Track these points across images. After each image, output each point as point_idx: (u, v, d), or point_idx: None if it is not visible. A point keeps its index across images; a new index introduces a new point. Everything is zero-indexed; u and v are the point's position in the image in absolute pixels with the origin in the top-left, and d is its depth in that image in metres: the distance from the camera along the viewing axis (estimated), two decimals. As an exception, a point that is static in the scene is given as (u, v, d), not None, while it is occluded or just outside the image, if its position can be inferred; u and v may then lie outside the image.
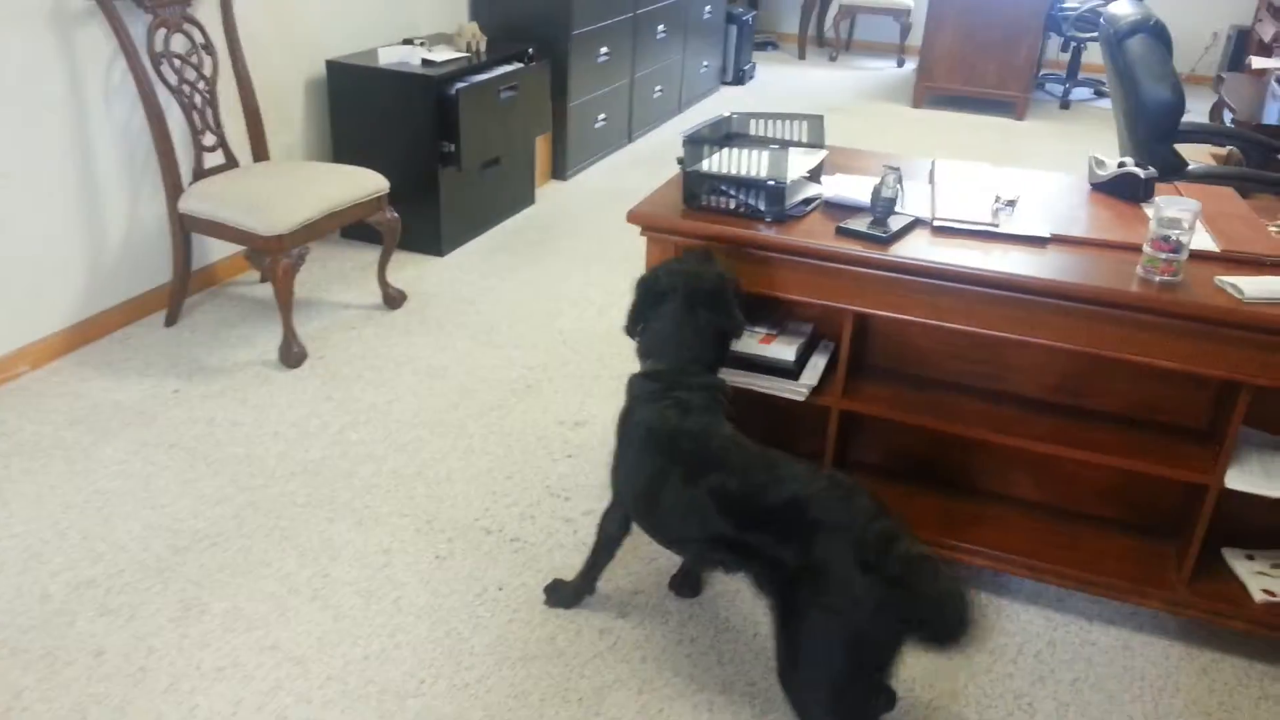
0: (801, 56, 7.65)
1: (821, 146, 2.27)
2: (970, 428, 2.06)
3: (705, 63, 6.21)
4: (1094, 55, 7.05)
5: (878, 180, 2.00)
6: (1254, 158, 3.21)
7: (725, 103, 6.32)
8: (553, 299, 3.46)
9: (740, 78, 6.74)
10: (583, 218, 4.24)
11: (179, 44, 2.98)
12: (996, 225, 2.02)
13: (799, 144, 2.27)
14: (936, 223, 2.03)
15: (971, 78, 6.17)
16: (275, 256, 2.79)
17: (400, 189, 3.57)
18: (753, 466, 1.65)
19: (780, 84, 6.88)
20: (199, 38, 3.03)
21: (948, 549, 2.13)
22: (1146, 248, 1.82)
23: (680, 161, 2.08)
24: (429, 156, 3.59)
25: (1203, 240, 1.95)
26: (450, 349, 3.08)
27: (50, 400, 2.72)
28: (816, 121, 2.26)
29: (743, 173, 2.01)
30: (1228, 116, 4.50)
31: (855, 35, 7.97)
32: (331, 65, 3.62)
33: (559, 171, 4.65)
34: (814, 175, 2.22)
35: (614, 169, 4.93)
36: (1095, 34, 6.39)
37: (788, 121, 2.28)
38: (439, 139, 3.57)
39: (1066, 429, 2.05)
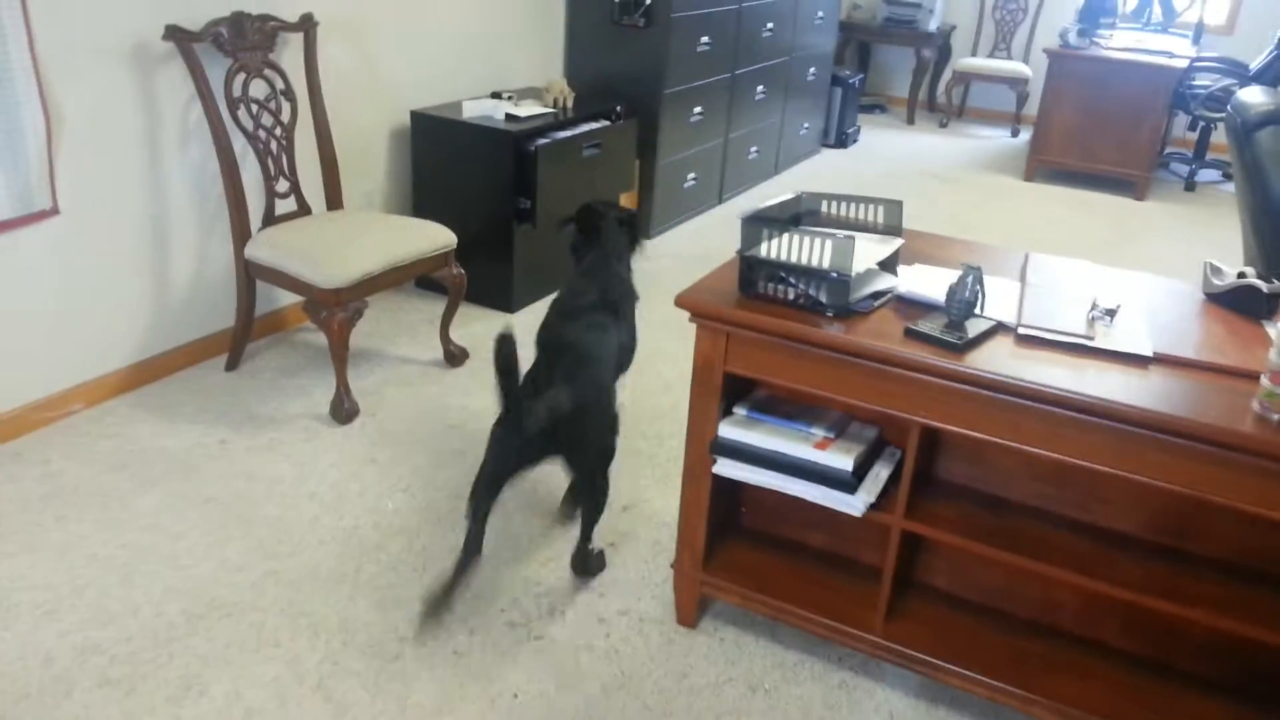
0: (910, 121, 7.43)
1: (898, 234, 2.08)
2: (1049, 565, 1.82)
3: (806, 124, 6.06)
4: (1224, 135, 6.63)
5: (957, 276, 1.81)
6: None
7: (825, 165, 6.15)
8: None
9: (843, 141, 6.56)
10: (662, 278, 4.10)
11: (259, 89, 2.98)
12: (1091, 338, 1.79)
13: (872, 229, 2.09)
14: (1021, 330, 1.81)
15: (1088, 153, 5.85)
16: (331, 310, 2.73)
17: (475, 243, 3.51)
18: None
19: (884, 148, 6.67)
20: (279, 84, 3.02)
21: (1018, 700, 1.88)
22: (1265, 380, 1.57)
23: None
24: (505, 212, 3.51)
25: (1336, 371, 1.69)
26: (504, 415, 2.96)
27: (98, 442, 2.70)
28: (894, 206, 2.07)
29: (804, 261, 1.83)
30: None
31: (968, 102, 7.71)
32: (416, 115, 3.60)
33: (644, 231, 4.54)
34: (888, 265, 2.03)
35: (702, 230, 4.80)
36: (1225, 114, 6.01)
37: (863, 205, 2.10)
38: (516, 194, 3.49)
39: (1162, 576, 1.79)
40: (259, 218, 3.02)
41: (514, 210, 3.50)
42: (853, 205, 2.11)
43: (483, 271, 3.58)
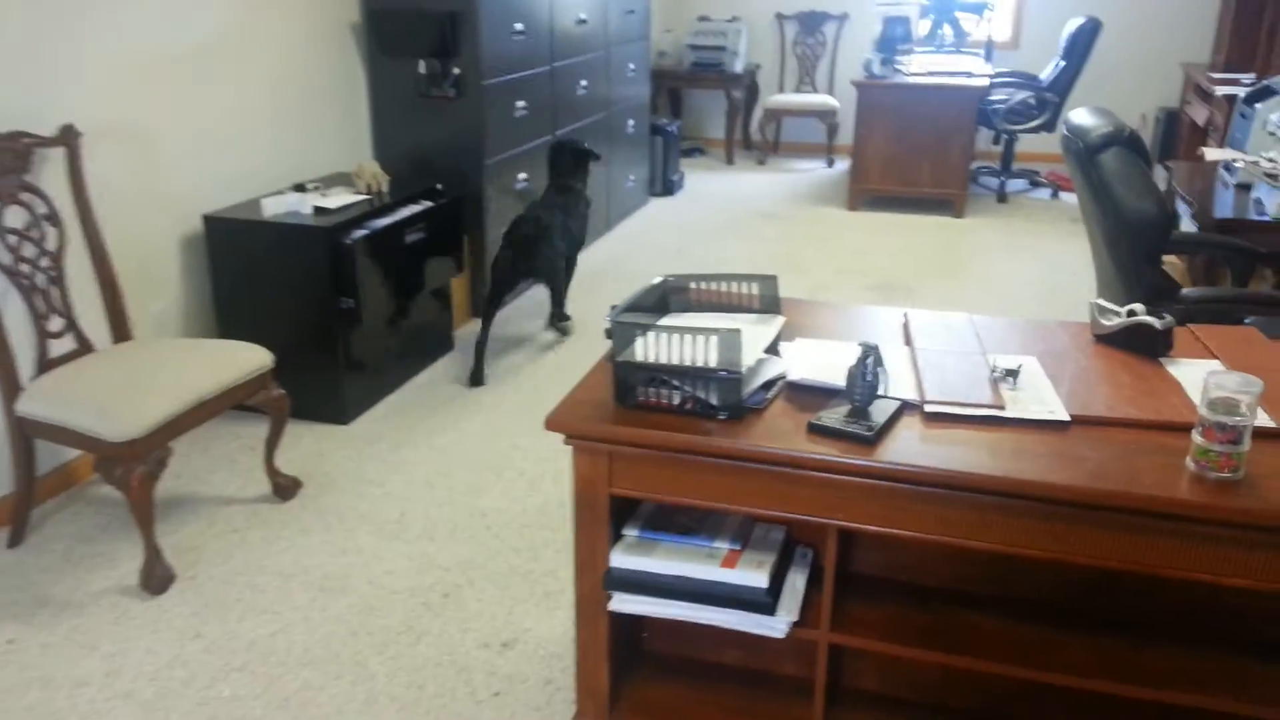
0: (730, 161, 7.45)
1: (776, 310, 1.89)
2: (990, 661, 1.64)
3: (631, 176, 5.92)
4: (1025, 145, 6.95)
5: (851, 352, 1.62)
6: (1236, 266, 2.94)
7: (657, 214, 6.03)
8: (474, 469, 3.01)
9: (670, 188, 6.48)
10: (504, 360, 3.82)
11: (15, 217, 2.54)
12: (1003, 407, 1.63)
13: (748, 307, 1.89)
14: (929, 408, 1.64)
15: (906, 177, 5.97)
16: (128, 466, 2.31)
17: (295, 355, 3.14)
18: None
19: (710, 191, 6.62)
20: (41, 208, 2.59)
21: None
22: (1198, 436, 1.45)
23: (607, 333, 1.68)
24: (326, 316, 3.15)
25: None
26: (351, 549, 2.60)
27: None
28: (769, 282, 1.88)
29: (688, 360, 1.60)
30: (1183, 210, 4.29)
31: (783, 137, 7.81)
32: (210, 220, 3.20)
33: (479, 309, 4.24)
34: (771, 347, 1.83)
35: (542, 300, 4.54)
36: (1026, 125, 6.27)
37: (733, 284, 1.90)
38: (337, 295, 3.14)
39: (1114, 653, 1.65)
40: (31, 365, 2.56)
41: (336, 312, 3.15)
42: (722, 285, 1.91)
43: (308, 384, 3.20)
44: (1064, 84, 6.21)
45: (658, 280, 1.91)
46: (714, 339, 1.58)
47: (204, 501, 2.83)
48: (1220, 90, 5.33)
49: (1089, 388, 1.72)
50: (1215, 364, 1.80)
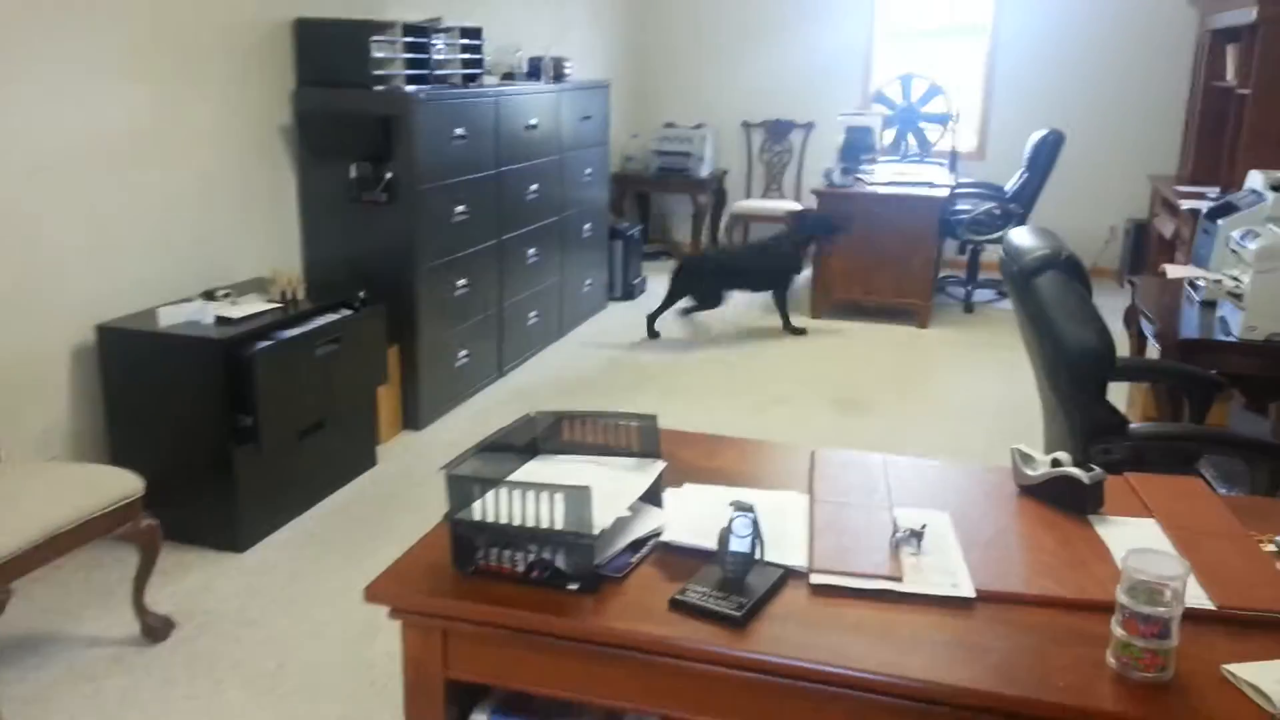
0: (696, 265, 7.34)
1: (656, 454, 1.67)
2: None
3: (588, 281, 5.78)
4: (993, 254, 6.86)
5: (731, 511, 1.41)
6: (1195, 394, 2.75)
7: (612, 319, 5.87)
8: (373, 607, 2.74)
9: (630, 292, 6.34)
10: (434, 480, 3.58)
11: None
12: (899, 579, 1.41)
13: (626, 451, 1.68)
14: (815, 579, 1.42)
15: (870, 286, 5.84)
16: (-47, 611, 2.06)
17: (188, 477, 2.91)
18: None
19: (673, 297, 6.48)
20: (-104, 317, 2.39)
21: None
22: (1118, 628, 1.22)
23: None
24: (221, 433, 2.93)
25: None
26: (215, 707, 2.32)
27: None
28: (649, 423, 1.67)
29: (534, 520, 1.39)
30: (1148, 329, 4.14)
31: (750, 240, 7.73)
32: (104, 330, 3.00)
33: (412, 421, 4.03)
34: (650, 496, 1.61)
35: (483, 410, 4.34)
36: (990, 236, 6.19)
37: (611, 424, 1.69)
38: (234, 411, 2.93)
39: None
40: None
41: (233, 430, 2.93)
42: (599, 425, 1.70)
43: (202, 508, 2.96)
44: (1028, 195, 6.15)
45: (528, 416, 1.71)
46: (560, 496, 1.36)
47: (65, 642, 2.56)
48: (1185, 204, 5.26)
49: (1004, 553, 1.50)
50: (1151, 524, 1.59)
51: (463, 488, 1.41)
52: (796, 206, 7.18)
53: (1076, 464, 1.66)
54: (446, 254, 4.10)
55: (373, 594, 1.39)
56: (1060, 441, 2.45)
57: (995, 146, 7.10)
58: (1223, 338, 3.61)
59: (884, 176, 6.11)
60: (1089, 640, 1.28)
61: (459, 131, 4.10)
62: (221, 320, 3.02)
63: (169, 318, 2.98)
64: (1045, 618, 1.34)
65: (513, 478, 1.58)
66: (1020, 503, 1.68)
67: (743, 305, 6.27)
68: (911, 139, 6.92)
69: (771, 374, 4.94)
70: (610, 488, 1.53)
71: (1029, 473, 1.70)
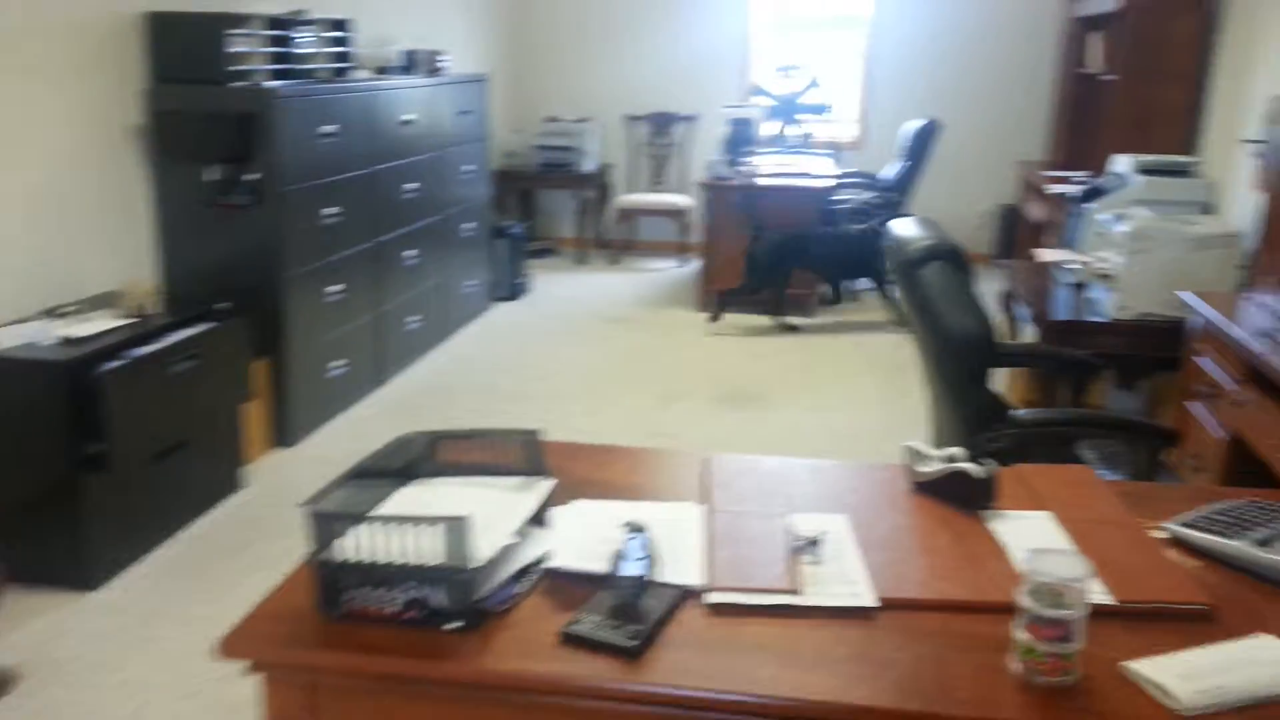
0: (582, 262, 7.25)
1: (542, 472, 1.57)
2: None
3: (471, 281, 5.62)
4: (874, 242, 6.97)
5: (623, 532, 1.33)
6: (1074, 375, 2.80)
7: (498, 320, 5.73)
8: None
9: (515, 292, 6.20)
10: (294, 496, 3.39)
11: None
12: (798, 591, 1.35)
13: (509, 470, 1.58)
14: (712, 596, 1.34)
15: (757, 278, 5.84)
16: None
17: (29, 512, 2.67)
18: None
19: (559, 294, 6.38)
20: None
21: None
22: (1020, 633, 1.19)
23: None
24: (65, 464, 2.69)
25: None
26: (68, 764, 2.12)
27: None
28: (531, 440, 1.57)
29: (407, 556, 1.27)
30: (1021, 312, 4.24)
31: (638, 236, 7.68)
32: (-70, 354, 2.73)
33: (284, 438, 3.82)
34: (539, 516, 1.51)
35: (361, 421, 4.15)
36: (871, 225, 6.27)
37: (491, 441, 1.58)
38: (81, 438, 2.69)
39: None
40: None
41: (80, 458, 2.70)
42: (479, 442, 1.59)
43: (48, 545, 2.72)
44: (906, 183, 6.26)
45: (402, 437, 1.59)
46: (438, 529, 1.25)
47: (-106, 703, 2.31)
48: (1054, 189, 5.42)
49: (902, 555, 1.46)
50: (1044, 517, 1.57)
51: (325, 526, 1.28)
52: (682, 200, 7.16)
53: (969, 458, 1.63)
54: (317, 258, 3.90)
55: (228, 648, 1.25)
56: (947, 430, 2.45)
57: (874, 136, 7.22)
58: (1094, 318, 3.72)
59: (767, 168, 6.13)
60: (990, 645, 1.25)
61: (327, 129, 3.90)
62: (67, 340, 2.78)
63: (5, 340, 2.72)
64: (945, 623, 1.30)
65: (386, 507, 1.47)
66: (915, 501, 1.64)
67: (610, 297, 6.21)
68: (793, 130, 6.97)
69: (665, 371, 4.89)
70: (493, 511, 1.43)
71: (922, 470, 1.67)
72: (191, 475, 3.18)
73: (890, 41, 7.08)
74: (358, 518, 1.28)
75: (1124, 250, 3.55)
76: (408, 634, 1.26)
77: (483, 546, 1.30)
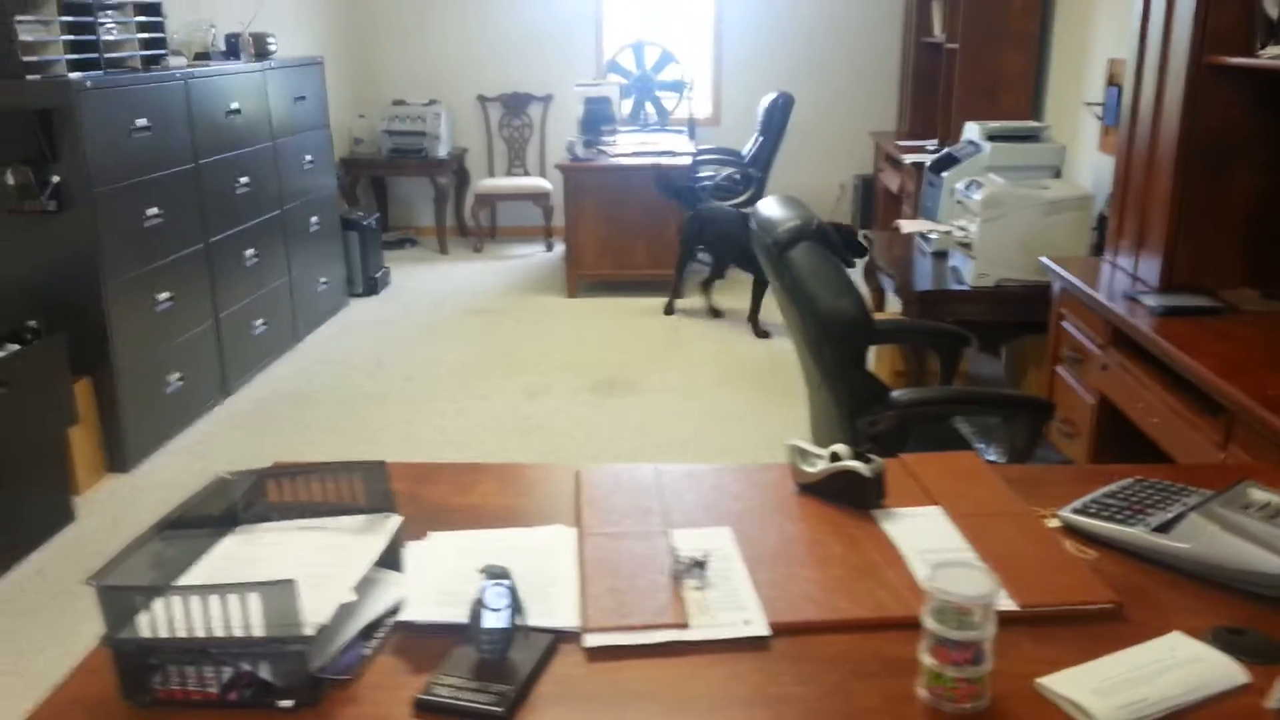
0: (444, 251, 6.97)
1: (389, 507, 1.39)
2: None
3: (323, 279, 5.29)
4: (738, 218, 6.94)
5: (482, 579, 1.16)
6: (944, 349, 2.77)
7: (356, 318, 5.42)
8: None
9: (373, 287, 5.89)
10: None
11: None
12: (685, 624, 1.22)
13: (353, 507, 1.38)
14: (590, 640, 1.19)
15: (623, 260, 5.73)
16: None
17: None
18: None
19: (420, 287, 6.11)
20: None
21: None
22: (927, 657, 1.08)
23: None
24: None
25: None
26: None
27: None
28: (376, 472, 1.38)
29: (224, 629, 1.07)
30: (887, 284, 4.24)
31: (499, 222, 7.44)
32: None
33: (119, 463, 3.47)
34: (389, 558, 1.33)
35: (207, 438, 3.83)
36: (735, 200, 6.22)
37: (328, 477, 1.38)
38: None
39: None
40: None
41: None
42: (314, 481, 1.39)
43: None
44: (765, 158, 6.24)
45: (222, 477, 1.37)
46: (255, 596, 1.06)
47: None
48: (908, 158, 5.47)
49: (794, 571, 1.34)
50: (936, 512, 1.49)
51: (119, 601, 1.07)
52: (543, 183, 6.95)
53: (853, 454, 1.53)
54: (142, 264, 3.55)
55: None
56: (825, 416, 2.37)
57: (730, 112, 7.17)
58: (956, 287, 3.74)
59: (627, 147, 6.00)
60: (895, 668, 1.14)
61: (141, 122, 3.54)
62: None
63: None
64: (846, 646, 1.19)
65: (202, 565, 1.25)
66: (802, 504, 1.53)
67: (474, 287, 5.99)
68: (650, 108, 6.85)
69: (535, 361, 4.71)
70: (330, 561, 1.24)
71: (807, 470, 1.56)
72: (12, 512, 2.84)
73: (738, 15, 7.02)
74: (156, 590, 1.08)
75: (979, 218, 3.57)
76: (233, 717, 1.07)
77: (317, 608, 1.11)
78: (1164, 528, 1.31)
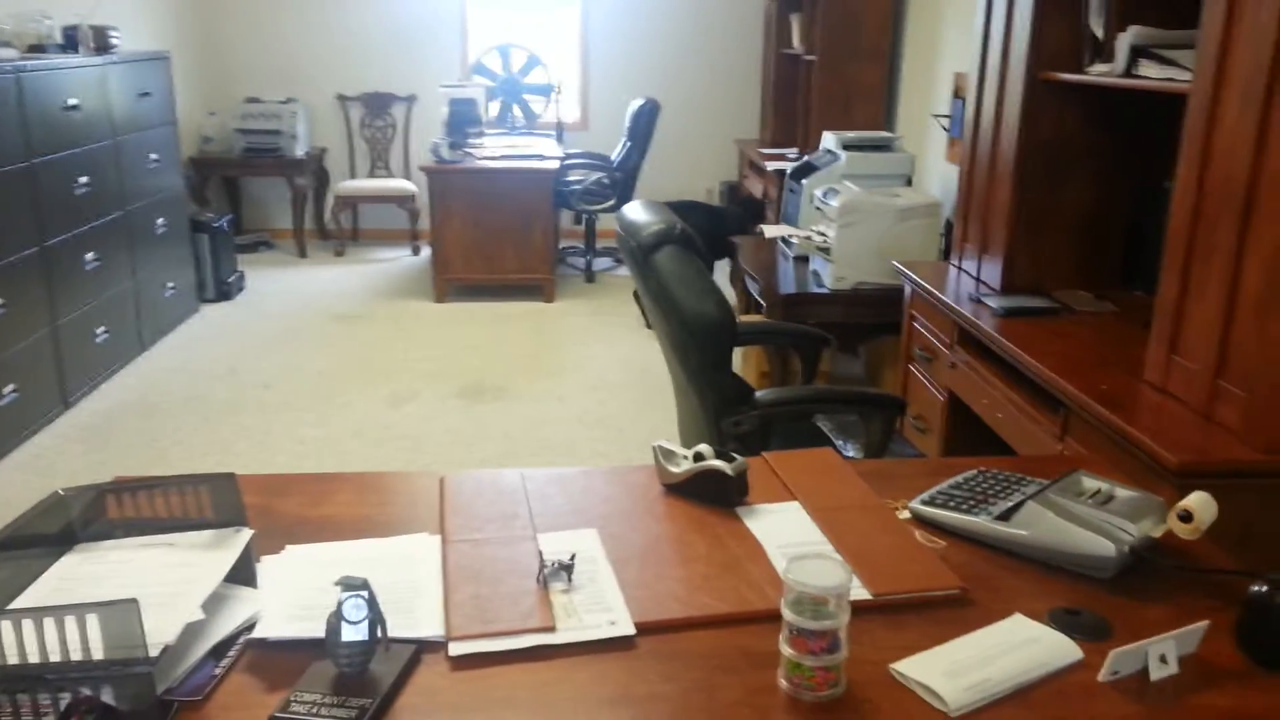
0: (303, 254, 6.74)
1: (240, 521, 1.33)
2: None
3: (171, 283, 5.04)
4: (608, 223, 6.98)
5: (339, 591, 1.12)
6: (804, 349, 2.86)
7: (208, 325, 5.19)
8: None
9: (226, 292, 5.65)
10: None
11: None
12: (553, 628, 1.21)
13: (200, 522, 1.32)
14: (455, 648, 1.18)
15: (491, 264, 5.67)
16: None
17: None
18: None
19: (278, 291, 5.89)
20: None
21: None
22: (786, 647, 1.11)
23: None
24: None
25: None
26: None
27: None
28: (224, 484, 1.33)
29: (60, 654, 1.01)
30: (751, 286, 4.34)
31: (361, 225, 7.25)
32: None
33: (-58, 483, 3.22)
34: (242, 573, 1.27)
35: (45, 452, 3.59)
36: (602, 206, 6.26)
37: (173, 491, 1.32)
38: None
39: None
40: None
41: None
42: (157, 492, 1.32)
43: None
44: (632, 163, 6.29)
45: (57, 493, 1.29)
46: (95, 617, 1.00)
47: None
48: (770, 165, 5.62)
49: (659, 569, 1.35)
50: (795, 507, 1.53)
51: (-63, 629, 0.99)
52: (408, 185, 6.81)
53: (717, 454, 1.56)
54: (-33, 269, 3.31)
55: None
56: (692, 418, 2.41)
57: (597, 116, 7.20)
58: (817, 289, 3.86)
59: (494, 150, 5.94)
60: (758, 661, 1.17)
61: (-35, 116, 3.30)
62: None
63: None
64: (711, 642, 1.21)
65: (36, 588, 1.18)
66: (667, 504, 1.55)
67: (336, 291, 5.84)
68: (517, 111, 6.82)
69: (399, 367, 4.61)
70: (176, 578, 1.18)
71: (672, 470, 1.58)
72: None
73: (604, 20, 7.07)
74: (-15, 616, 1.00)
75: (836, 224, 3.70)
76: (69, 752, 1.00)
77: (162, 628, 1.06)
78: (1005, 516, 1.38)
